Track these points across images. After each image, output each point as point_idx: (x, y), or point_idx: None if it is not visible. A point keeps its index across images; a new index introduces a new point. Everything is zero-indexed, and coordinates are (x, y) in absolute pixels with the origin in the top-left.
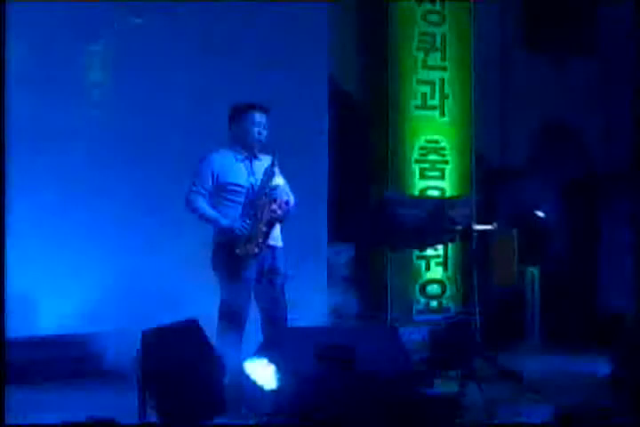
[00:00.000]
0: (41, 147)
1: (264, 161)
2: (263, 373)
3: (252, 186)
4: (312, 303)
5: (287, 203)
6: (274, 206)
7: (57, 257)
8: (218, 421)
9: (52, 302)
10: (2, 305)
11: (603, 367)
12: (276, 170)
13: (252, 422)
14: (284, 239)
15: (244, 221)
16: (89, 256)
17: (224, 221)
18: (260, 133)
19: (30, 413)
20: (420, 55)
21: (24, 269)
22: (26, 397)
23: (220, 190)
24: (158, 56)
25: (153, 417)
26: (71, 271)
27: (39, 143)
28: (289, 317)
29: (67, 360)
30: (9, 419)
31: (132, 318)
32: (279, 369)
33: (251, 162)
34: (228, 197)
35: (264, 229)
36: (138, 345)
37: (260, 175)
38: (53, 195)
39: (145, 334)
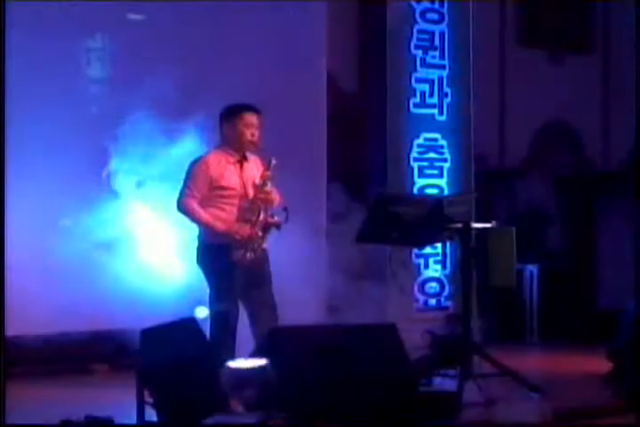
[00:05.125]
0: (38, 148)
1: (252, 161)
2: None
3: (245, 189)
4: (310, 304)
5: (285, 209)
6: (270, 211)
7: (56, 256)
8: (217, 419)
9: (50, 300)
10: (2, 305)
11: (601, 365)
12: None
13: (251, 420)
14: (282, 243)
15: (241, 226)
16: (88, 255)
17: (220, 226)
18: (253, 135)
19: (29, 412)
20: (419, 53)
21: (22, 267)
22: (25, 396)
23: (214, 193)
24: (153, 52)
25: (152, 416)
26: (70, 270)
27: (37, 143)
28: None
29: (65, 359)
30: (9, 419)
31: (132, 317)
32: (278, 367)
33: (241, 164)
34: (222, 200)
35: (260, 233)
36: (137, 344)
37: (249, 177)
38: (52, 193)
39: (144, 333)
